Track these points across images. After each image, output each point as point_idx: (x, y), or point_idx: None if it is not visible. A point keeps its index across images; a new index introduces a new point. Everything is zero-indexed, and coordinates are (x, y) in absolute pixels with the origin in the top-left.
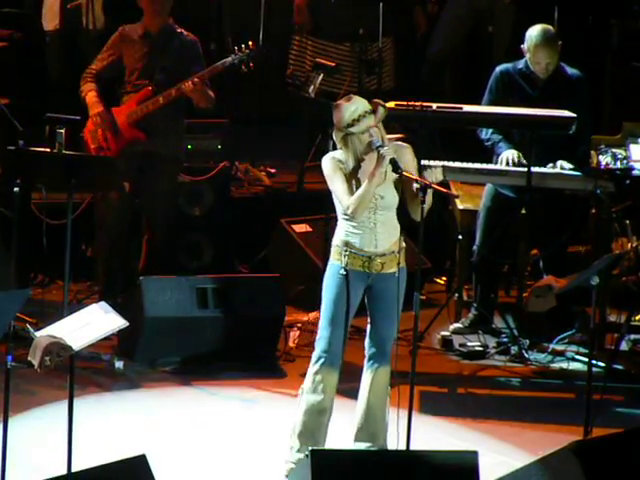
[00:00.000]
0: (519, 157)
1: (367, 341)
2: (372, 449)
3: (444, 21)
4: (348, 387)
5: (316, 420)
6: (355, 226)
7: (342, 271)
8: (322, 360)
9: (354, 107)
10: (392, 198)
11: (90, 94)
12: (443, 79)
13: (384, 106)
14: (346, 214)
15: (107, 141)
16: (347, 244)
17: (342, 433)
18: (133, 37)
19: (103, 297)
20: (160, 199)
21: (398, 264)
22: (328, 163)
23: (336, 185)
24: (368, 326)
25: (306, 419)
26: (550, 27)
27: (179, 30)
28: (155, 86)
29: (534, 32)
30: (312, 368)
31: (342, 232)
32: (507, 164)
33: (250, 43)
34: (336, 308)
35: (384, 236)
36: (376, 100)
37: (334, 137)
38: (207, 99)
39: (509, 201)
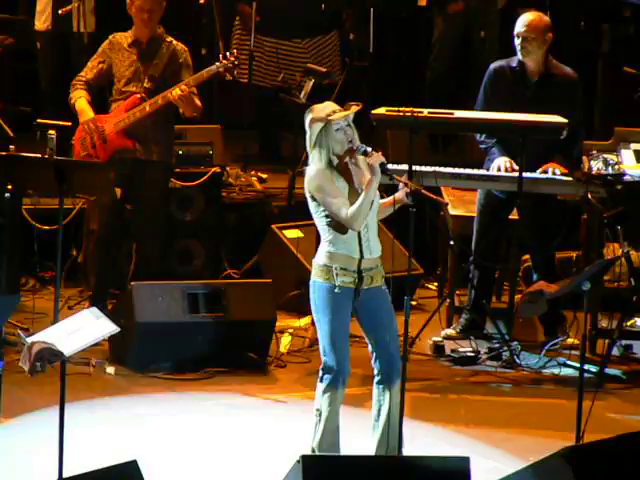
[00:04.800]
0: (511, 164)
1: (376, 363)
2: None
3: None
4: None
5: (335, 435)
6: (348, 236)
7: (337, 290)
8: (337, 383)
9: (329, 104)
10: (377, 199)
11: (80, 101)
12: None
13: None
14: (348, 227)
15: (95, 149)
16: (337, 260)
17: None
18: (123, 45)
19: (94, 303)
20: (150, 207)
21: (383, 277)
22: (317, 176)
23: (330, 199)
24: (372, 346)
25: (328, 437)
26: (540, 16)
27: (169, 39)
28: (143, 94)
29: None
30: (328, 392)
31: (330, 247)
32: (499, 172)
33: (234, 51)
34: (340, 329)
35: (374, 240)
36: (350, 103)
37: (308, 141)
38: (193, 107)
39: (502, 200)
